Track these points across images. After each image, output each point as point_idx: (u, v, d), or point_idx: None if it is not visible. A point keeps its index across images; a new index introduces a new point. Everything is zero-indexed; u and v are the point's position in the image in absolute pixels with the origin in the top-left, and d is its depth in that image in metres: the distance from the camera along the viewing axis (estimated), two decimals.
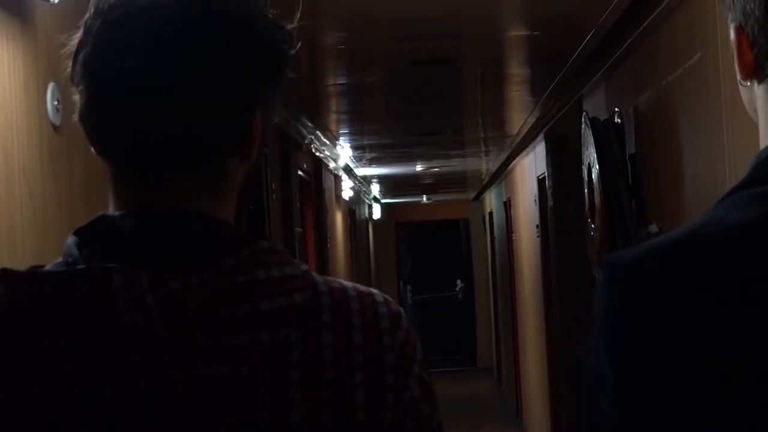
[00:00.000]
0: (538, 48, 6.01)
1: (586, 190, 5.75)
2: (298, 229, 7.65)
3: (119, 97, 1.20)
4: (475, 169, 13.74)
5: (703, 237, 1.15)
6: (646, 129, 5.16)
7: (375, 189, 16.77)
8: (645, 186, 5.15)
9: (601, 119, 5.56)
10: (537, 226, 10.22)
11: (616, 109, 5.49)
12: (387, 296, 1.28)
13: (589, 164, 5.58)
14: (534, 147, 10.04)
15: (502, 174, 13.80)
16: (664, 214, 4.81)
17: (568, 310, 8.91)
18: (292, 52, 1.27)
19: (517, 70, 6.61)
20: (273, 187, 6.73)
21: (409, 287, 21.54)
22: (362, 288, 1.28)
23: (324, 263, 9.44)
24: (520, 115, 8.81)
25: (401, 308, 1.28)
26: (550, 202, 9.28)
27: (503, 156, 11.70)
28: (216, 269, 1.17)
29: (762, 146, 1.22)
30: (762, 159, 1.20)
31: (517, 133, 9.87)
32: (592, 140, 5.36)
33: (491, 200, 17.17)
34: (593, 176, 5.45)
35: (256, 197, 5.75)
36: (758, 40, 1.21)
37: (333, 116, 8.19)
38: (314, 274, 1.25)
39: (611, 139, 5.30)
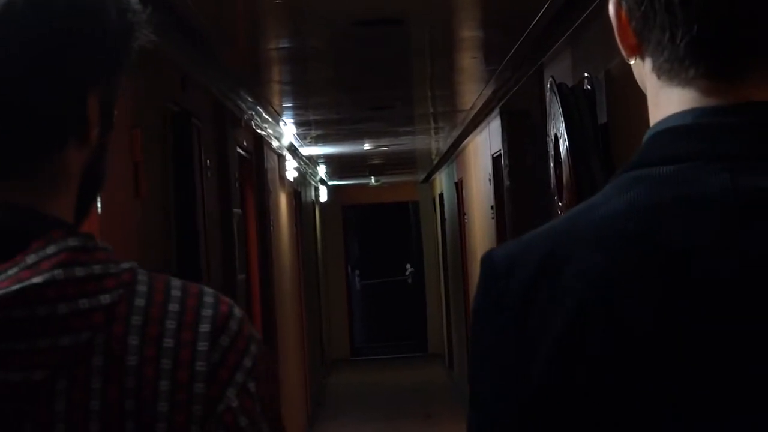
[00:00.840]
0: (494, 9, 5.47)
1: (552, 165, 5.23)
2: (237, 210, 7.08)
3: None
4: (425, 148, 13.22)
5: (576, 227, 1.13)
6: (619, 95, 4.65)
7: (321, 170, 16.22)
8: (618, 158, 4.64)
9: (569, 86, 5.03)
10: (492, 207, 9.72)
11: (586, 74, 4.97)
12: (223, 297, 1.21)
13: (556, 136, 5.06)
14: (488, 123, 9.53)
15: (453, 154, 13.32)
16: None
17: None
18: (136, 20, 1.21)
19: (470, 33, 6.06)
20: (208, 163, 6.16)
21: (357, 272, 21.09)
22: (193, 288, 1.19)
23: (266, 246, 8.88)
24: (473, 87, 8.28)
25: (235, 310, 1.20)
26: (507, 182, 8.77)
27: (455, 133, 11.17)
28: (15, 269, 1.12)
29: (652, 124, 1.18)
30: (649, 138, 1.19)
31: (471, 107, 9.34)
32: (559, 109, 4.83)
33: (441, 181, 16.70)
34: (561, 149, 4.93)
35: (186, 173, 5.17)
36: (634, 14, 1.17)
37: (275, 87, 7.61)
38: (141, 272, 1.18)
39: (581, 107, 4.78)
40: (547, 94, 5.18)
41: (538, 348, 1.11)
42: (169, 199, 4.99)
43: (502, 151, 8.89)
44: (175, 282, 1.19)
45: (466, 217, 12.65)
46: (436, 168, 16.46)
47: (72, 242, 1.13)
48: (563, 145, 4.86)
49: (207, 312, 1.17)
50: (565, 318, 1.10)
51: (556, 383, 1.10)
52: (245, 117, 7.75)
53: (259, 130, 8.73)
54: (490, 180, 9.77)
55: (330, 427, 13.16)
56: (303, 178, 14.54)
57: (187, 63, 5.58)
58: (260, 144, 8.89)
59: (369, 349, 20.61)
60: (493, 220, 9.67)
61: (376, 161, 14.18)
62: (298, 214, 13.46)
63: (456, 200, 13.69)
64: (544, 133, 6.62)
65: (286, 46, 5.93)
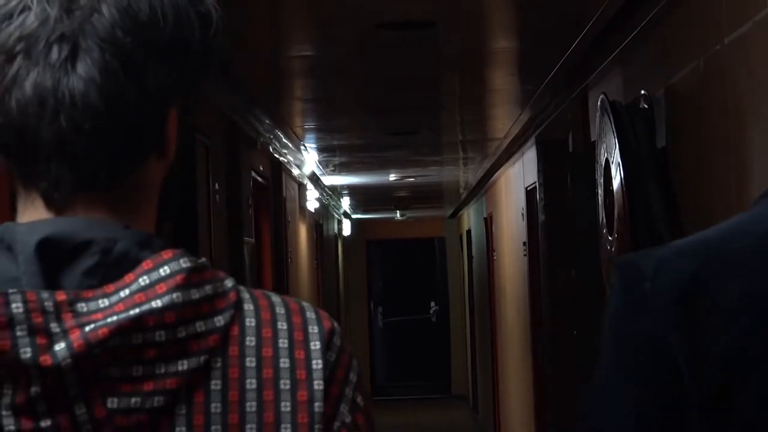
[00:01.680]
0: (534, 16, 4.89)
1: (600, 195, 4.62)
2: (249, 239, 6.50)
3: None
4: (453, 181, 12.62)
5: (737, 239, 1.07)
6: (681, 115, 4.05)
7: (345, 203, 15.66)
8: (680, 186, 4.04)
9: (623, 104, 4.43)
10: (524, 244, 9.11)
11: (642, 92, 4.37)
12: (322, 311, 1.19)
13: (607, 162, 4.45)
14: (523, 153, 8.93)
15: (483, 187, 12.74)
16: (710, 224, 3.68)
17: (563, 341, 7.80)
18: (218, 34, 1.20)
19: (505, 44, 5.48)
20: (216, 187, 5.58)
21: (380, 309, 20.49)
22: (293, 304, 1.18)
23: (283, 279, 8.29)
24: (507, 112, 7.69)
25: (336, 325, 1.18)
26: (542, 216, 8.17)
27: (486, 165, 10.57)
28: (127, 290, 1.10)
29: None
30: None
31: (505, 136, 8.74)
32: (612, 130, 4.23)
33: (469, 217, 16.11)
34: (612, 177, 4.32)
35: (187, 196, 4.59)
36: None
37: (296, 105, 7.02)
38: (241, 289, 1.16)
39: (637, 128, 4.18)
40: (597, 114, 4.58)
41: (701, 354, 1.04)
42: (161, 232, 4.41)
43: (537, 184, 8.30)
44: (275, 298, 1.18)
45: (495, 254, 12.04)
46: (464, 203, 15.89)
47: (185, 263, 1.12)
48: (616, 172, 4.26)
49: (314, 329, 1.16)
50: (733, 334, 1.03)
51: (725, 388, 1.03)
52: (262, 140, 7.18)
53: (277, 155, 8.16)
54: (523, 215, 9.17)
55: None
56: (326, 210, 13.97)
57: None
58: (278, 170, 8.31)
59: (391, 389, 19.96)
60: (526, 258, 9.06)
61: (402, 194, 13.59)
62: (320, 248, 12.88)
63: (485, 236, 13.09)
64: (587, 164, 6.02)
65: (308, 54, 5.33)
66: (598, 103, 4.52)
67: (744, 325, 1.02)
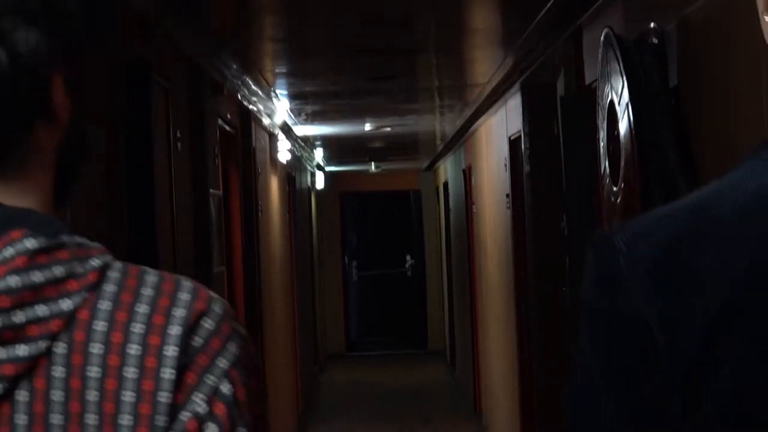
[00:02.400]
0: None
1: (603, 141, 4.18)
2: (215, 192, 6.03)
3: None
4: (429, 131, 12.15)
5: (716, 206, 0.99)
6: (697, 51, 3.60)
7: (318, 154, 15.19)
8: (695, 129, 3.61)
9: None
10: (507, 196, 8.68)
11: (652, 25, 3.91)
12: (204, 291, 1.10)
13: (611, 104, 4.00)
14: (506, 101, 8.48)
15: (461, 138, 12.29)
16: (730, 169, 3.24)
17: (550, 297, 7.40)
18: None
19: None
20: (178, 135, 5.11)
21: (354, 263, 20.07)
22: (168, 284, 1.10)
23: (253, 233, 7.83)
24: (489, 56, 7.21)
25: (215, 305, 1.09)
26: (527, 167, 7.74)
27: (466, 113, 10.10)
28: None
29: None
30: None
31: (488, 82, 8.27)
32: (619, 67, 3.78)
33: (446, 170, 15.67)
34: (619, 120, 3.87)
35: (141, 142, 4.10)
36: None
37: (266, 46, 6.52)
38: (116, 267, 1.09)
39: (647, 65, 3.73)
40: (600, 51, 4.12)
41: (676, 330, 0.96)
42: (118, 174, 3.93)
43: (522, 133, 7.86)
44: (151, 277, 1.10)
45: (474, 207, 11.61)
46: (441, 155, 15.45)
47: (30, 243, 1.07)
48: (623, 115, 3.81)
49: (179, 312, 1.08)
50: (710, 309, 0.95)
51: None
52: (229, 85, 6.69)
53: (246, 103, 7.68)
54: (506, 166, 8.73)
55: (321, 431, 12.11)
56: (298, 162, 13.50)
57: (152, 6, 4.53)
58: (248, 118, 7.83)
59: (365, 344, 19.58)
60: (509, 210, 8.63)
61: (377, 145, 13.12)
62: (292, 201, 12.42)
63: (464, 188, 12.65)
64: (581, 108, 5.57)
65: None
66: (602, 39, 4.06)
67: (719, 297, 0.96)
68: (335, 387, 15.46)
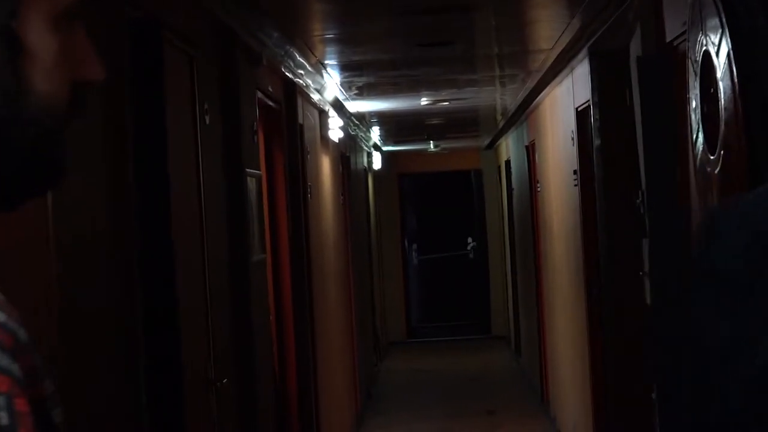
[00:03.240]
0: None
1: (695, 101, 3.54)
2: (254, 171, 5.44)
3: None
4: (490, 105, 11.49)
5: None
6: None
7: (375, 134, 14.58)
8: None
9: None
10: (575, 172, 8.03)
11: None
12: None
13: (706, 56, 3.36)
14: (572, 69, 7.83)
15: (523, 113, 11.63)
16: None
17: (625, 282, 6.76)
18: None
19: None
20: (206, 107, 4.53)
21: (414, 246, 19.46)
22: None
23: (301, 216, 7.25)
24: (554, 18, 6.56)
25: None
26: (596, 141, 7.10)
27: (529, 84, 9.44)
28: None
29: None
30: None
31: (553, 48, 7.61)
32: (716, 8, 3.14)
33: (508, 147, 15.01)
34: (719, 76, 3.23)
35: (151, 111, 3.52)
36: None
37: (311, 7, 5.91)
38: None
39: (753, 9, 3.08)
40: None
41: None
42: (124, 154, 3.34)
43: (590, 103, 7.22)
44: None
45: (539, 185, 10.96)
46: (502, 132, 14.79)
47: None
48: (723, 68, 3.17)
49: None
50: None
51: None
52: (268, 53, 6.10)
53: (291, 75, 7.09)
54: (572, 139, 8.08)
55: (380, 425, 11.51)
56: (353, 142, 12.90)
57: None
58: (293, 92, 7.24)
59: (427, 330, 18.98)
60: (577, 187, 7.98)
61: (435, 121, 12.49)
62: (347, 182, 11.83)
63: (527, 166, 12.00)
64: (662, 69, 4.93)
65: None
66: None
67: None
68: (395, 376, 14.87)
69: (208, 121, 4.55)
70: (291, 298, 6.94)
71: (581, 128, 7.87)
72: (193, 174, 4.29)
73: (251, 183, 5.41)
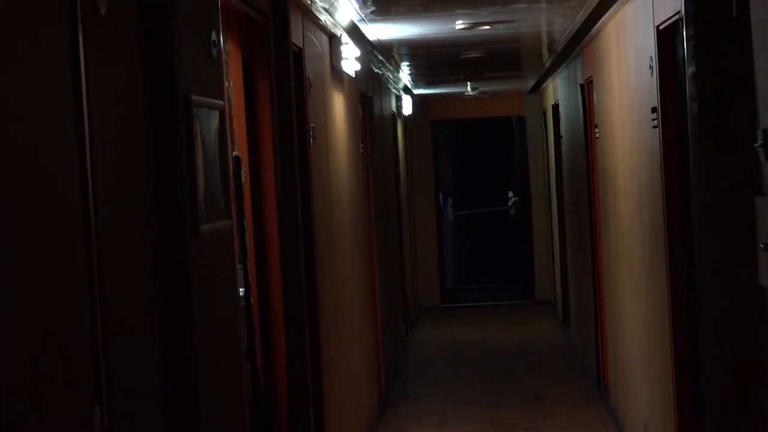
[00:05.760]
0: None
1: None
2: (210, 100, 3.67)
3: None
4: (535, 34, 9.63)
5: None
6: None
7: (404, 74, 12.78)
8: None
9: None
10: (653, 110, 6.24)
11: None
12: None
13: None
14: None
15: (577, 47, 9.82)
16: None
17: (727, 252, 5.01)
18: None
19: None
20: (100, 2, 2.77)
21: (450, 201, 17.65)
22: None
23: (295, 169, 5.50)
24: None
25: None
26: (690, 66, 5.28)
27: (591, 1, 7.59)
28: None
29: None
30: None
31: None
32: None
33: (556, 89, 13.19)
34: None
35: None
36: None
37: None
38: None
39: None
40: None
41: None
42: None
43: (681, 16, 5.42)
44: None
45: (597, 130, 9.16)
46: (549, 73, 12.97)
47: None
48: None
49: None
50: None
51: None
52: None
53: None
54: (651, 68, 6.27)
55: (407, 413, 9.77)
56: (378, 82, 11.12)
57: None
58: (283, 2, 5.45)
59: (463, 293, 17.23)
60: (657, 130, 6.19)
61: (472, 54, 10.64)
62: (368, 128, 10.06)
63: (581, 109, 10.18)
64: None
65: None
66: None
67: None
68: (426, 349, 13.12)
69: (104, 11, 2.79)
70: (280, 272, 5.20)
71: (664, 53, 6.07)
72: (65, 96, 2.55)
73: (204, 118, 3.66)
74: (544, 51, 10.96)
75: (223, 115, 3.98)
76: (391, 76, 11.95)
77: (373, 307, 9.80)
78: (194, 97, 3.52)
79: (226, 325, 3.83)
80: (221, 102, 3.94)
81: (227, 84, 4.94)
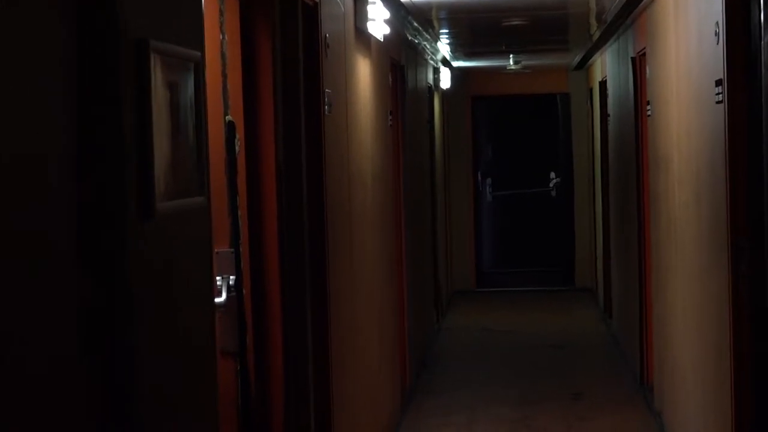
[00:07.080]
0: None
1: None
2: (177, 49, 2.92)
3: None
4: (583, 1, 8.85)
5: None
6: None
7: (443, 45, 12.01)
8: None
9: None
10: (718, 83, 5.44)
11: None
12: None
13: None
14: None
15: (628, 18, 9.03)
16: None
17: None
18: None
19: None
20: None
21: (488, 181, 16.85)
22: None
23: (301, 140, 4.75)
24: None
25: None
26: (766, 34, 4.49)
27: None
28: None
29: None
30: None
31: None
32: None
33: (604, 64, 12.37)
34: None
35: None
36: None
37: None
38: None
39: None
40: None
41: None
42: None
43: None
44: None
45: (650, 108, 8.36)
46: (597, 47, 12.16)
47: None
48: None
49: None
50: None
51: None
52: None
53: None
54: (717, 36, 5.47)
55: (433, 412, 9.03)
56: (413, 51, 10.36)
57: None
58: None
59: (499, 277, 16.47)
60: (722, 105, 5.39)
61: (515, 21, 9.83)
62: (400, 100, 9.31)
63: (632, 85, 9.38)
64: None
65: None
66: None
67: None
68: (458, 337, 12.37)
69: None
70: (278, 257, 4.46)
71: (732, 19, 5.27)
72: None
73: (172, 71, 2.92)
74: (592, 20, 10.15)
75: (200, 69, 3.23)
76: (428, 46, 11.18)
77: (400, 295, 9.07)
78: (154, 43, 2.78)
79: (193, 331, 3.09)
80: (197, 53, 3.19)
81: (221, 36, 4.22)
